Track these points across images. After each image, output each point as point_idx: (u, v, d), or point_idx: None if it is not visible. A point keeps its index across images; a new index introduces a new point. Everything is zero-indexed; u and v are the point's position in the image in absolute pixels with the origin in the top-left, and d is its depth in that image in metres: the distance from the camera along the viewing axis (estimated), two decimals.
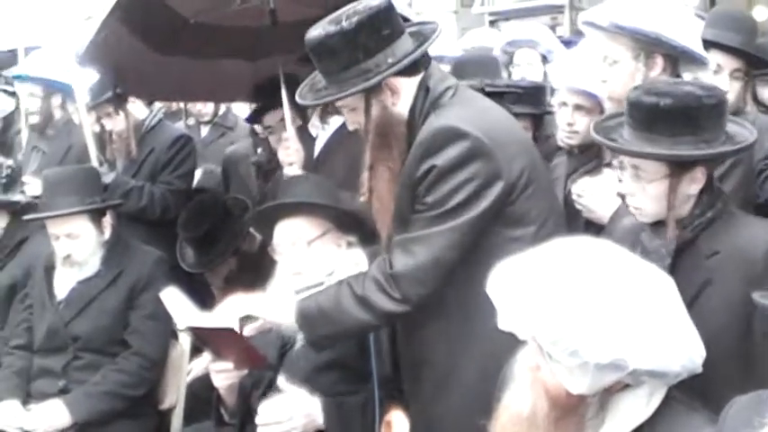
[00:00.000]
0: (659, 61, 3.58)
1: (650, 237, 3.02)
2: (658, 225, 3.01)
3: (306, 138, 4.98)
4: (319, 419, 3.44)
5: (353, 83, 3.15)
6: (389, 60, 3.15)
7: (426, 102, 3.22)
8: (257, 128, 5.68)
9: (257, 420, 3.41)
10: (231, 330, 3.32)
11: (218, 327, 3.35)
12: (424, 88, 3.22)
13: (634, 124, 2.93)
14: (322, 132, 5.09)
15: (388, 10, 3.19)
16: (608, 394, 2.26)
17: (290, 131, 4.82)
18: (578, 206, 3.88)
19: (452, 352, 3.22)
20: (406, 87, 3.22)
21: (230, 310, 3.35)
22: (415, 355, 3.35)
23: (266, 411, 3.39)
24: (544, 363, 2.24)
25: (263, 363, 3.56)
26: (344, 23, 3.12)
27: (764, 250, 2.85)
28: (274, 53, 4.97)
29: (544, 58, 6.41)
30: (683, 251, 2.93)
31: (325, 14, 3.25)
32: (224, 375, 3.66)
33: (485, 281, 2.36)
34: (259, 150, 5.74)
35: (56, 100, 6.12)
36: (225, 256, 5.14)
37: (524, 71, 6.27)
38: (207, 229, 5.09)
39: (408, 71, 3.20)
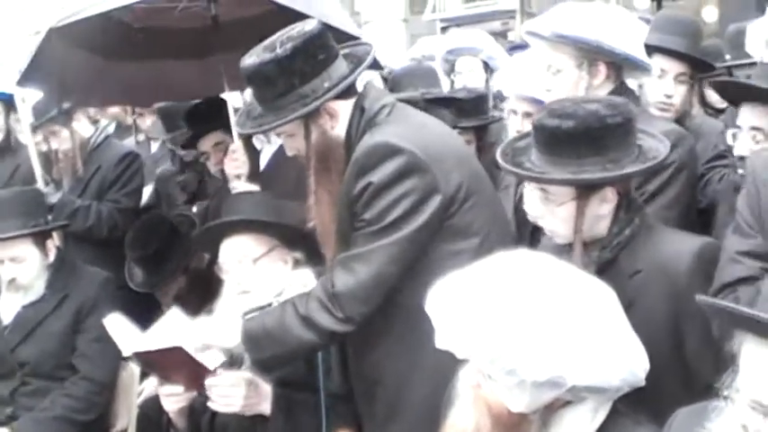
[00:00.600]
0: (602, 69, 3.57)
1: (569, 259, 2.96)
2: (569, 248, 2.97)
3: (251, 150, 4.94)
4: (264, 403, 3.48)
5: (292, 109, 3.15)
6: (326, 85, 3.16)
7: (362, 121, 3.21)
8: (181, 152, 5.66)
9: (206, 382, 3.39)
10: (178, 348, 3.27)
11: (163, 347, 3.30)
12: (359, 108, 3.22)
13: (540, 147, 2.89)
14: (267, 146, 5.08)
15: (322, 34, 3.20)
16: (550, 411, 2.24)
17: (237, 143, 4.79)
18: (527, 210, 3.86)
19: (402, 370, 3.20)
20: (343, 109, 3.22)
21: (172, 329, 3.31)
22: (367, 377, 3.33)
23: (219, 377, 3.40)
24: (484, 381, 2.22)
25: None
26: (279, 50, 3.12)
27: (687, 265, 2.81)
28: (218, 51, 4.93)
29: (486, 65, 6.39)
30: (604, 272, 2.82)
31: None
32: (174, 399, 3.63)
33: (425, 296, 2.34)
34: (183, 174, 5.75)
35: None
36: (174, 274, 5.09)
37: (466, 78, 6.24)
38: (155, 248, 5.04)
39: (345, 94, 3.21)
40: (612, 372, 2.18)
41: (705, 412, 2.01)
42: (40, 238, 4.60)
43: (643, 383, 2.27)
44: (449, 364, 2.62)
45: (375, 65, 4.93)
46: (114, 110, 7.38)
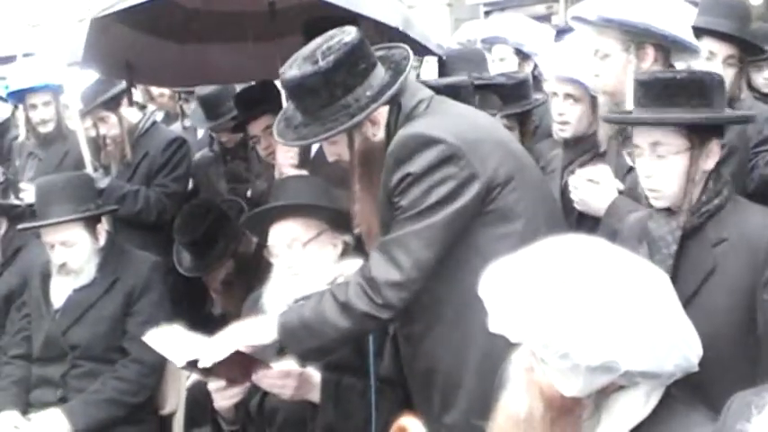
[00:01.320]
0: (650, 52, 3.57)
1: (657, 224, 3.02)
2: (666, 212, 3.01)
3: None
4: (314, 391, 3.50)
5: (336, 119, 3.15)
6: (368, 93, 3.16)
7: (399, 119, 3.22)
8: (223, 138, 5.73)
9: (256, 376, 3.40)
10: (236, 353, 3.25)
11: (224, 356, 3.26)
12: (396, 106, 3.22)
13: (647, 102, 2.95)
14: None
15: (362, 44, 3.20)
16: (603, 395, 2.23)
17: None
18: (573, 198, 3.86)
19: (455, 358, 3.19)
20: (384, 114, 3.23)
21: (225, 339, 3.29)
22: (422, 367, 3.31)
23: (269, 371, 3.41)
24: (537, 365, 2.22)
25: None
26: (322, 63, 3.12)
27: None
28: (274, 36, 4.89)
29: (519, 52, 6.37)
30: (690, 238, 2.94)
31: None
32: (228, 394, 3.58)
33: (476, 281, 2.34)
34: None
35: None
36: (222, 259, 5.11)
37: (497, 67, 6.21)
38: (203, 232, 5.06)
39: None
40: (666, 357, 2.17)
41: (763, 396, 2.00)
42: (91, 223, 4.64)
43: (696, 369, 2.26)
44: (500, 350, 2.64)
45: (428, 52, 4.94)
46: (162, 99, 7.44)
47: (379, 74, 3.22)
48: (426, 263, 3.09)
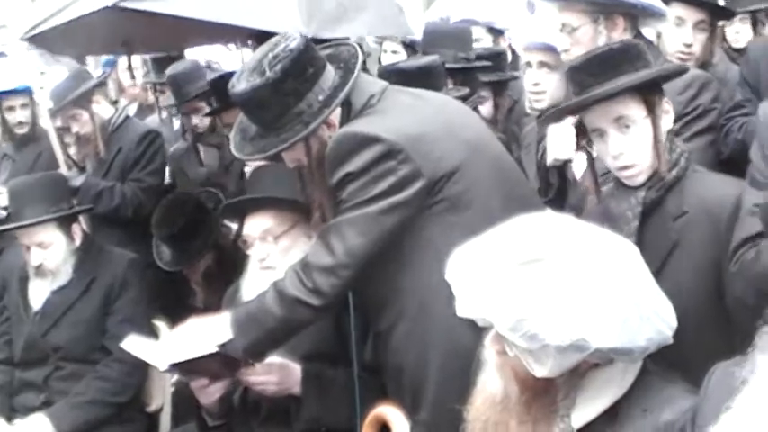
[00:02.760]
0: (620, 21, 3.56)
1: (617, 202, 2.99)
2: (625, 189, 2.97)
3: None
4: (297, 385, 3.50)
5: (291, 128, 3.13)
6: (320, 98, 3.14)
7: (350, 118, 3.19)
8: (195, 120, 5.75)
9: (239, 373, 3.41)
10: (215, 354, 3.24)
11: (199, 355, 3.25)
12: (346, 106, 3.19)
13: (592, 81, 2.92)
14: None
15: (308, 48, 3.17)
16: (578, 374, 2.22)
17: None
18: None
19: (420, 353, 3.17)
20: (336, 115, 3.19)
21: (195, 334, 3.28)
22: (391, 365, 3.29)
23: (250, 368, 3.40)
24: (507, 347, 2.20)
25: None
26: (269, 74, 3.09)
27: (730, 208, 2.82)
28: None
29: (491, 29, 6.34)
30: (651, 214, 2.91)
31: None
32: (211, 390, 3.56)
33: (434, 273, 2.32)
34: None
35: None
36: (202, 251, 5.06)
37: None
38: (181, 225, 5.01)
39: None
40: (637, 332, 2.15)
41: (743, 364, 1.97)
42: (66, 223, 4.59)
43: (670, 341, 2.24)
44: (464, 345, 2.62)
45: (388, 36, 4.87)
46: (134, 90, 7.36)
47: (329, 75, 3.19)
48: (359, 250, 3.07)
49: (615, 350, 2.14)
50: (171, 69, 5.97)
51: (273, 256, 3.59)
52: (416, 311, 3.13)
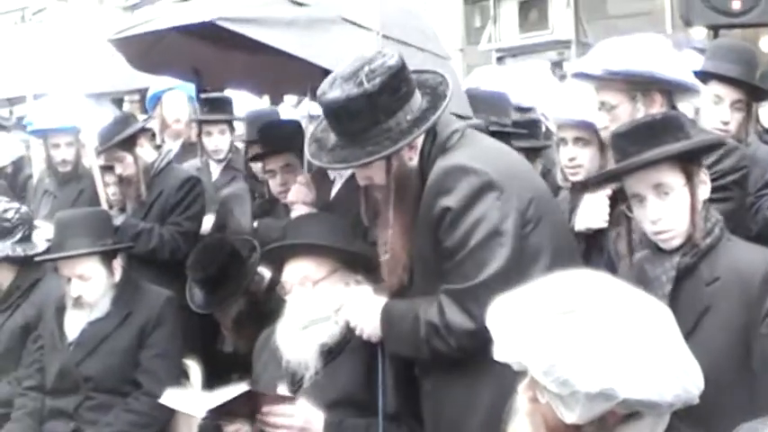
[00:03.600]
0: (657, 98, 3.63)
1: (652, 266, 3.08)
2: (661, 254, 3.06)
3: (325, 180, 4.90)
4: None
5: (378, 143, 3.15)
6: (408, 118, 3.16)
7: (434, 148, 3.24)
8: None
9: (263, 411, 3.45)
10: (248, 392, 3.34)
11: (232, 397, 3.35)
12: (431, 134, 3.23)
13: (635, 150, 3.03)
14: (339, 178, 4.92)
15: (404, 68, 3.20)
16: (606, 428, 2.27)
17: (306, 176, 4.76)
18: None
19: (470, 386, 3.22)
20: (419, 140, 3.24)
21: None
22: (431, 412, 3.36)
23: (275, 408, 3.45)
24: (539, 393, 2.27)
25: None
26: (368, 85, 3.11)
27: (762, 275, 2.90)
28: None
29: (520, 109, 6.39)
30: (684, 278, 3.01)
31: None
32: None
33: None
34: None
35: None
36: (234, 296, 5.13)
37: None
38: (215, 269, 5.09)
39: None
40: (665, 387, 2.21)
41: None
42: (107, 258, 4.70)
43: (696, 401, 2.29)
44: (505, 395, 2.68)
45: None
46: (179, 126, 7.37)
47: (418, 98, 3.22)
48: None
49: (642, 402, 2.20)
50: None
51: (312, 301, 3.64)
52: (469, 364, 3.17)
